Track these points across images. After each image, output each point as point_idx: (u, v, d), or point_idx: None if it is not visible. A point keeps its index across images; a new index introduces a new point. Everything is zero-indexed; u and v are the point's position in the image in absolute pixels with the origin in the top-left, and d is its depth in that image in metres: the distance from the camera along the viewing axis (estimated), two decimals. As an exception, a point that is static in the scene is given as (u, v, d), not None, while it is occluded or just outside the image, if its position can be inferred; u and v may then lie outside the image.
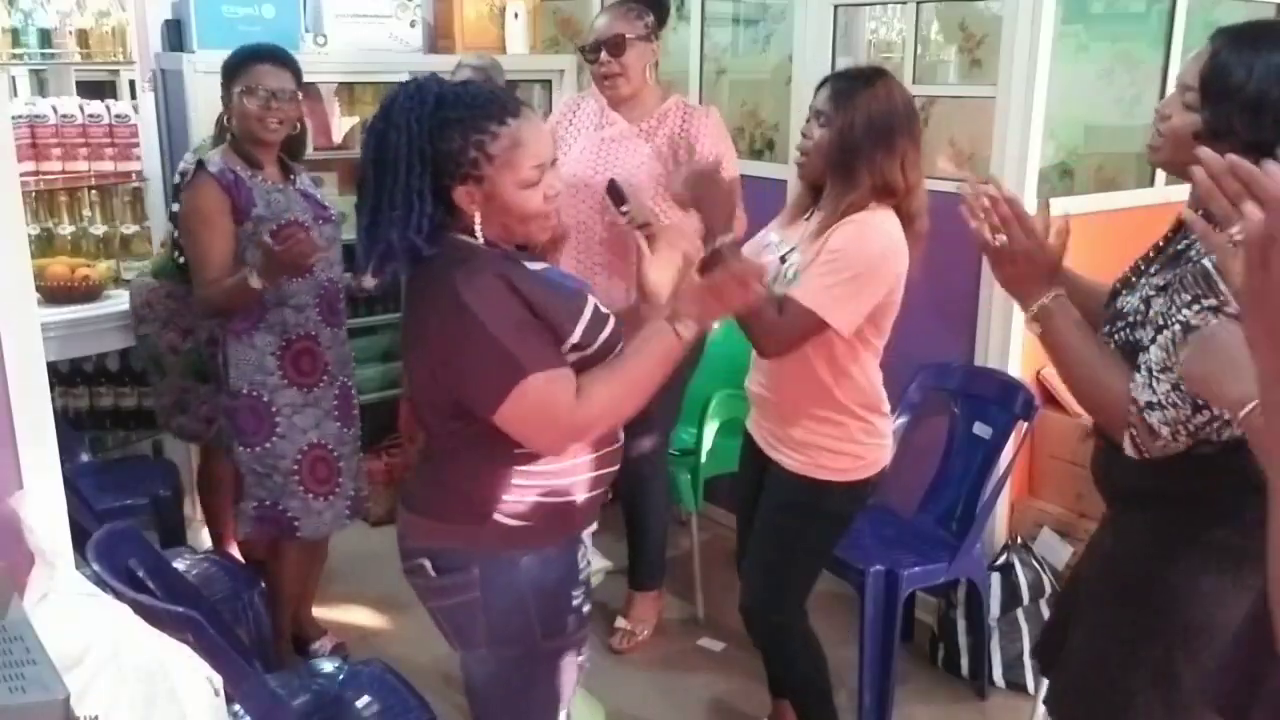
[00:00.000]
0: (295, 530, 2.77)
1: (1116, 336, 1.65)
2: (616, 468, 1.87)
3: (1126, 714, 1.69)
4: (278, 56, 2.68)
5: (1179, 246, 1.63)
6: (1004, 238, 1.66)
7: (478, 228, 1.68)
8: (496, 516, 1.74)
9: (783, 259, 2.26)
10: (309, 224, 2.67)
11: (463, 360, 1.63)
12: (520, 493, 1.74)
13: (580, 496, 1.80)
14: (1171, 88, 3.34)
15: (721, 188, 2.16)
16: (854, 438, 2.30)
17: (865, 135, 2.13)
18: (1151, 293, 1.61)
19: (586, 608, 1.87)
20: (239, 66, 2.65)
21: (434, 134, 1.61)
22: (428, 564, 1.78)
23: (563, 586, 1.81)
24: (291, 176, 2.76)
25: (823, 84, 2.25)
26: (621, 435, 1.87)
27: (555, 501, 1.77)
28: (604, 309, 1.76)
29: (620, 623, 3.23)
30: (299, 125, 2.76)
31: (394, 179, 1.61)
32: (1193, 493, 1.62)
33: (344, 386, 2.85)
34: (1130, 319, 1.63)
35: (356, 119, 3.94)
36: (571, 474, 1.77)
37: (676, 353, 1.71)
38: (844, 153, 2.15)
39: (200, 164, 2.67)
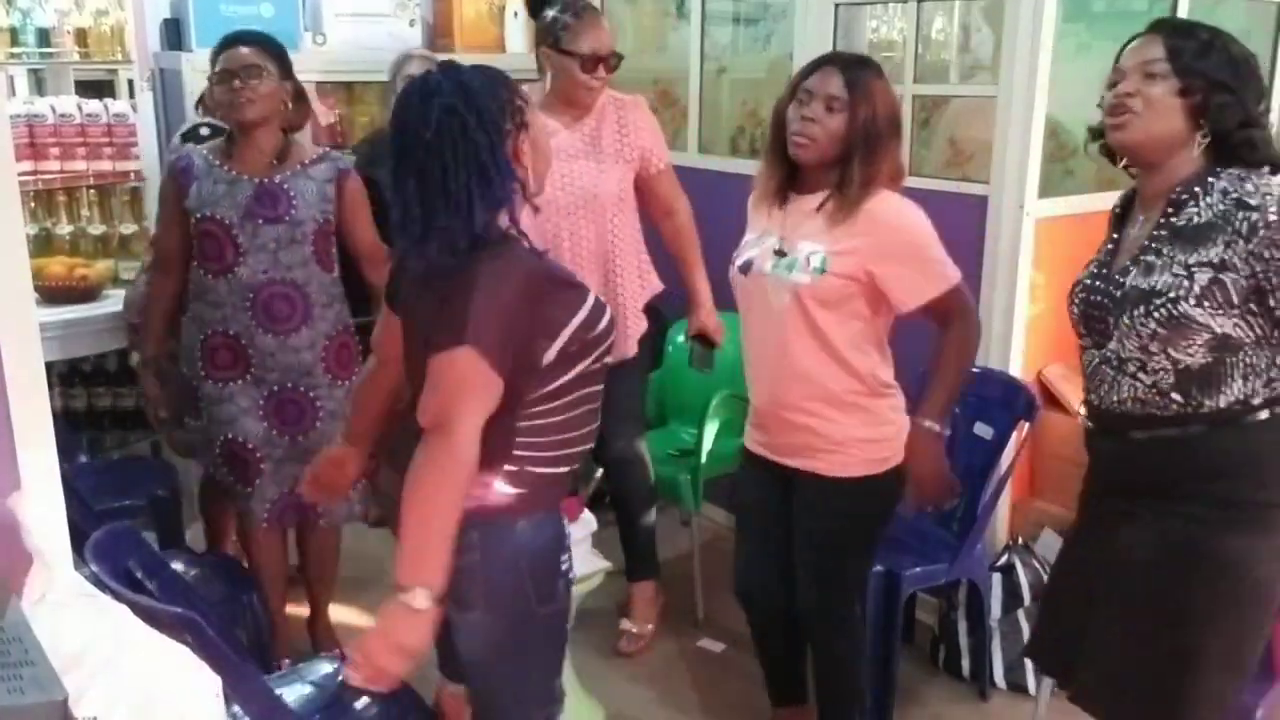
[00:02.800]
0: (236, 495, 2.84)
1: (1156, 314, 1.76)
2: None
3: (1191, 688, 1.80)
4: (246, 39, 2.67)
5: (1179, 221, 1.78)
6: None
7: (531, 183, 1.78)
8: (496, 484, 1.78)
9: (779, 252, 2.25)
10: (231, 223, 2.61)
11: (443, 309, 1.70)
12: (519, 462, 1.79)
13: (569, 466, 1.88)
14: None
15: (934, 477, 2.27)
16: (887, 418, 2.30)
17: (886, 125, 2.19)
18: (1189, 264, 1.75)
19: (573, 574, 1.94)
20: (214, 57, 2.67)
21: (494, 93, 1.71)
22: None
23: (554, 551, 1.87)
24: (275, 164, 2.66)
25: (819, 66, 2.23)
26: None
27: (550, 471, 1.83)
28: (602, 301, 1.84)
29: (624, 624, 3.22)
30: (286, 104, 2.67)
31: (491, 142, 1.68)
32: (1223, 470, 1.80)
33: (285, 390, 2.73)
34: (1171, 294, 1.75)
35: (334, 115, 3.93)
36: (568, 447, 1.84)
37: (411, 581, 1.65)
38: (870, 140, 2.17)
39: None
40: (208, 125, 3.12)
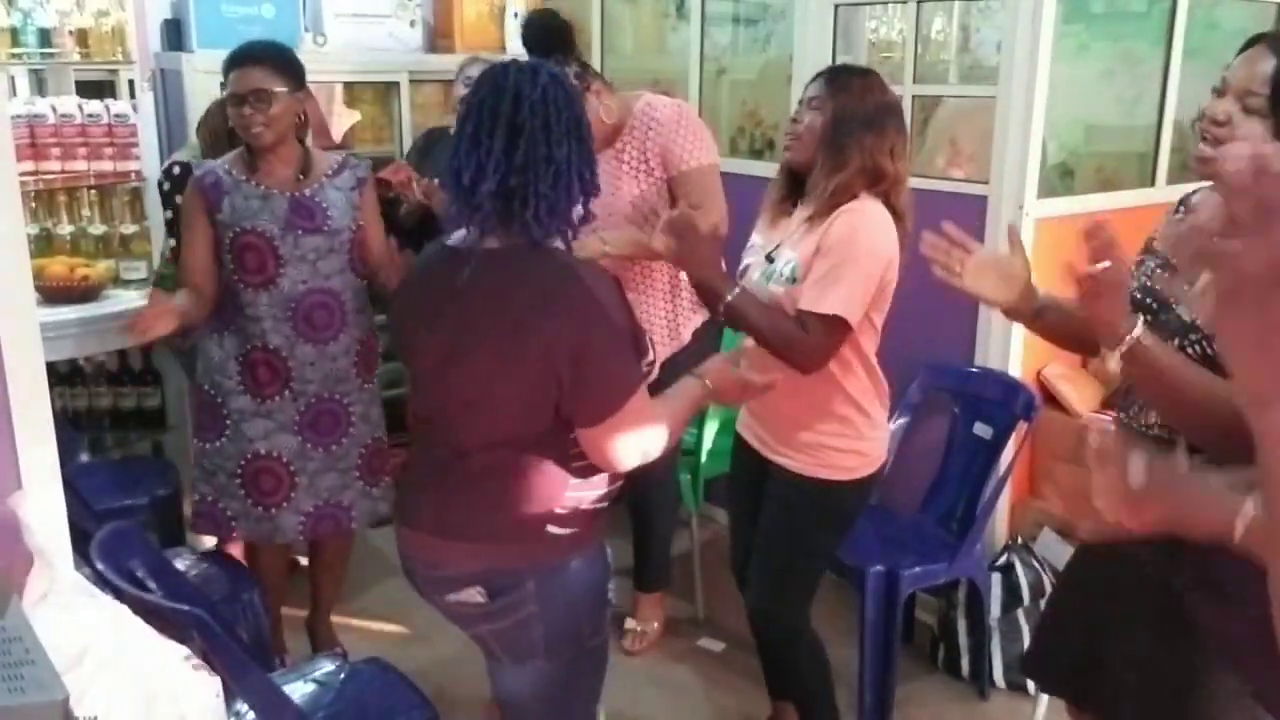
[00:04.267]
0: (232, 529, 2.77)
1: (1190, 350, 1.60)
2: None
3: (1210, 703, 1.70)
4: (254, 56, 2.60)
5: None
6: (1105, 264, 1.54)
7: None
8: (549, 529, 1.73)
9: (769, 257, 2.26)
10: (273, 235, 2.60)
11: (593, 365, 1.64)
12: (570, 503, 1.75)
13: (613, 499, 1.85)
14: (1174, 88, 3.35)
15: (701, 238, 2.17)
16: (861, 433, 2.30)
17: (857, 117, 2.17)
18: None
19: (614, 598, 1.93)
20: (225, 72, 2.63)
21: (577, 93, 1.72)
22: (479, 591, 1.75)
23: (604, 583, 1.85)
24: (301, 177, 2.66)
25: (816, 78, 2.28)
26: None
27: (597, 506, 1.80)
28: (644, 334, 1.82)
29: (630, 624, 3.23)
30: (301, 117, 2.66)
31: (582, 143, 1.67)
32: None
33: (323, 401, 2.72)
34: (1209, 330, 1.56)
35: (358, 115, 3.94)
36: (614, 481, 1.82)
37: (703, 402, 1.90)
38: (836, 133, 2.17)
39: (191, 166, 2.66)
40: (178, 165, 3.07)
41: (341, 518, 2.82)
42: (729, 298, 2.14)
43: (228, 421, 2.71)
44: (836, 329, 2.14)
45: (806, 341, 2.14)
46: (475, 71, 3.34)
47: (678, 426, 1.81)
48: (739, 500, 2.56)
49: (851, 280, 2.13)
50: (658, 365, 1.87)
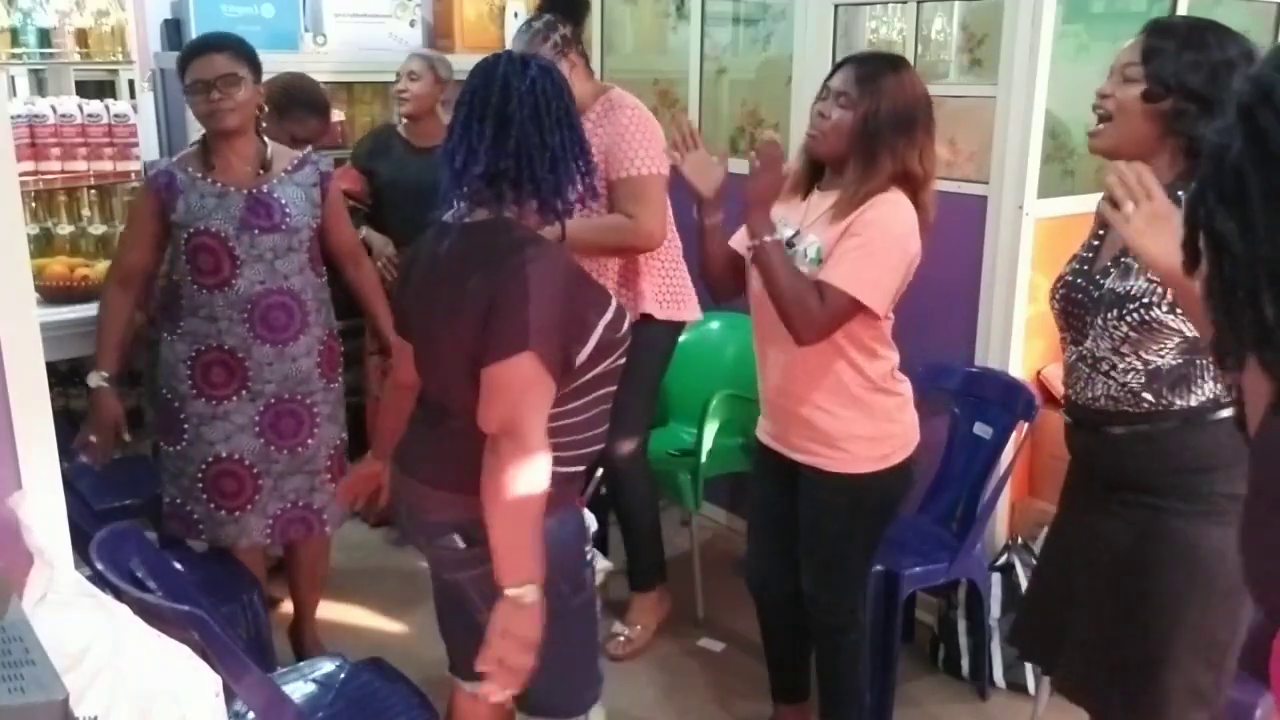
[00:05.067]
0: (199, 533, 2.73)
1: (1129, 318, 1.78)
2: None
3: (1167, 679, 1.82)
4: (215, 45, 2.58)
5: None
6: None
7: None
8: None
9: (789, 242, 2.25)
10: (228, 235, 2.55)
11: (493, 318, 1.71)
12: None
13: (586, 464, 1.94)
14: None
15: (780, 176, 2.19)
16: (889, 416, 2.30)
17: (889, 123, 2.15)
18: None
19: (596, 562, 2.01)
20: (184, 61, 2.58)
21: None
22: (457, 537, 1.83)
23: (578, 543, 1.93)
24: (261, 172, 2.63)
25: (843, 64, 2.26)
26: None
27: (571, 470, 1.87)
28: (621, 306, 1.87)
29: (617, 627, 3.20)
30: (262, 108, 2.65)
31: (569, 134, 1.77)
32: (1195, 465, 1.81)
33: (283, 402, 2.68)
34: (1144, 299, 1.76)
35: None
36: (586, 445, 1.89)
37: (514, 577, 1.69)
38: (868, 138, 2.16)
39: (146, 166, 2.64)
40: None
41: (312, 520, 2.79)
42: (766, 238, 2.13)
43: (186, 425, 2.67)
44: (850, 308, 2.14)
45: (818, 311, 2.13)
46: (417, 66, 3.39)
47: (518, 513, 1.70)
48: (765, 507, 2.54)
49: (881, 267, 2.15)
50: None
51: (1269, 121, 0.88)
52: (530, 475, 1.70)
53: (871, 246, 2.14)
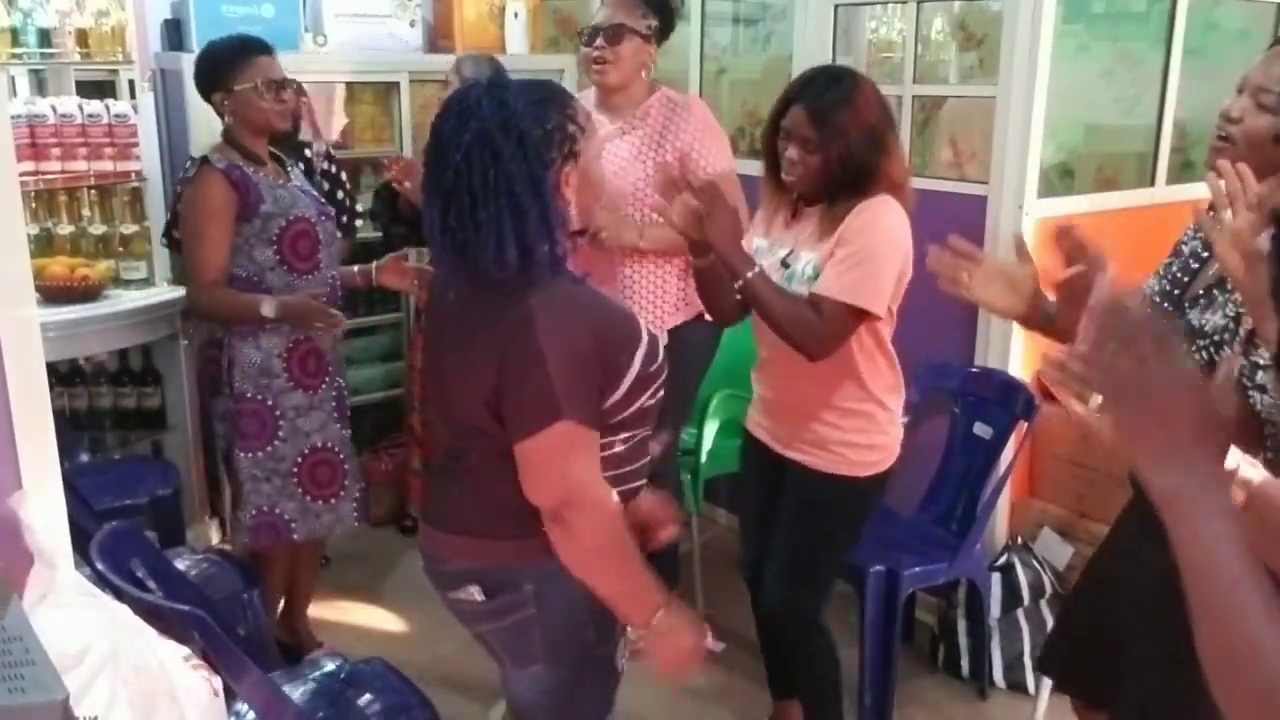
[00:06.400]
0: (292, 534, 2.76)
1: (1197, 355, 1.64)
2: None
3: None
4: (270, 48, 2.69)
5: None
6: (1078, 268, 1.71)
7: (573, 214, 1.65)
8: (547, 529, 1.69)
9: (785, 263, 2.26)
10: (314, 220, 2.68)
11: (511, 384, 1.59)
12: None
13: (628, 501, 1.78)
14: (1174, 88, 3.34)
15: (728, 210, 2.12)
16: (881, 428, 2.31)
17: (860, 154, 2.13)
18: (1241, 308, 1.60)
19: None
20: (238, 61, 2.62)
21: (539, 118, 1.57)
22: (475, 590, 1.73)
23: None
24: (287, 170, 2.76)
25: (791, 100, 2.19)
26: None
27: None
28: (654, 332, 1.74)
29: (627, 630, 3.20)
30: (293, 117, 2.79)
31: (531, 171, 1.54)
32: None
33: (339, 387, 2.83)
34: (1215, 338, 1.64)
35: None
36: (627, 481, 1.76)
37: (640, 618, 1.67)
38: (844, 173, 2.15)
39: (205, 159, 2.62)
40: None
41: (367, 502, 2.96)
42: (749, 274, 2.12)
43: (281, 422, 2.70)
44: (850, 317, 2.14)
45: (819, 326, 2.13)
46: (469, 72, 3.37)
47: (617, 566, 1.64)
48: (751, 501, 2.55)
49: (873, 270, 2.13)
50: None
51: None
52: (610, 534, 1.62)
53: (861, 253, 2.13)
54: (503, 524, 1.70)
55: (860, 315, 2.15)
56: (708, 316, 2.92)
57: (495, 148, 1.53)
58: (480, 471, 1.72)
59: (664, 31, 2.95)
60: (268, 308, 2.55)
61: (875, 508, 2.42)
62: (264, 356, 2.67)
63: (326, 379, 2.75)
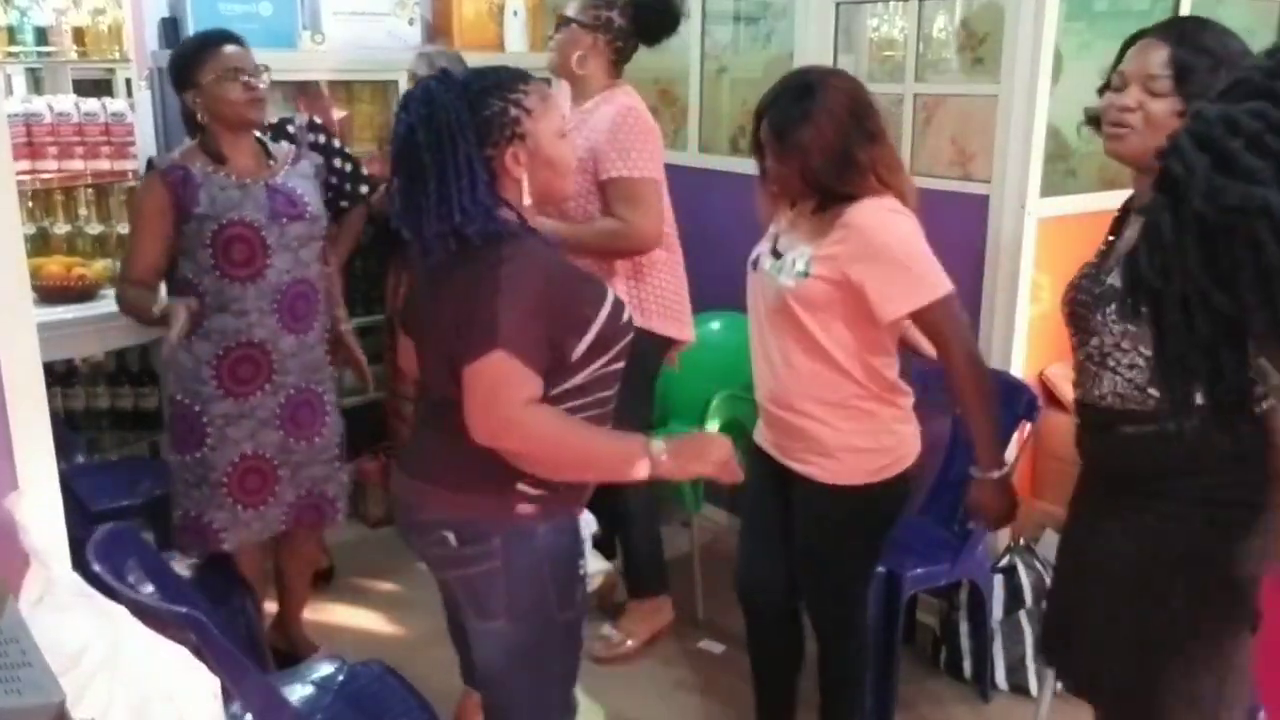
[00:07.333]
0: (221, 543, 2.69)
1: (1120, 374, 1.81)
2: None
3: (1167, 685, 1.80)
4: (235, 38, 2.61)
5: None
6: None
7: (525, 193, 1.79)
8: (520, 486, 1.78)
9: (776, 252, 2.24)
10: (260, 224, 2.55)
11: (464, 314, 1.71)
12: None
13: None
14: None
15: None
16: (888, 427, 2.26)
17: (830, 166, 2.11)
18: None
19: (589, 581, 1.99)
20: (203, 54, 2.55)
21: (474, 105, 1.74)
22: (450, 535, 1.82)
23: (574, 556, 1.89)
24: (272, 163, 2.65)
25: (761, 117, 2.20)
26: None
27: (573, 479, 1.84)
28: (620, 298, 1.85)
29: (606, 629, 3.18)
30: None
31: (452, 155, 1.71)
32: (1202, 467, 1.76)
33: (300, 392, 2.70)
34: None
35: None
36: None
37: (636, 468, 1.75)
38: (818, 183, 2.14)
39: (149, 162, 2.61)
40: None
41: (325, 508, 2.82)
42: (994, 474, 2.24)
43: (209, 429, 2.63)
44: (951, 304, 2.13)
45: (955, 339, 2.15)
46: (422, 69, 3.34)
47: (591, 457, 1.78)
48: (756, 514, 2.50)
49: (920, 259, 2.12)
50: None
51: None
52: (542, 443, 1.71)
53: (892, 257, 2.10)
54: (479, 480, 1.79)
55: (949, 300, 2.12)
56: (657, 331, 2.93)
57: (436, 130, 1.72)
58: (459, 426, 1.76)
59: (644, 30, 2.90)
60: (157, 308, 2.54)
61: (896, 514, 2.35)
62: (194, 363, 2.60)
63: (267, 385, 2.64)
